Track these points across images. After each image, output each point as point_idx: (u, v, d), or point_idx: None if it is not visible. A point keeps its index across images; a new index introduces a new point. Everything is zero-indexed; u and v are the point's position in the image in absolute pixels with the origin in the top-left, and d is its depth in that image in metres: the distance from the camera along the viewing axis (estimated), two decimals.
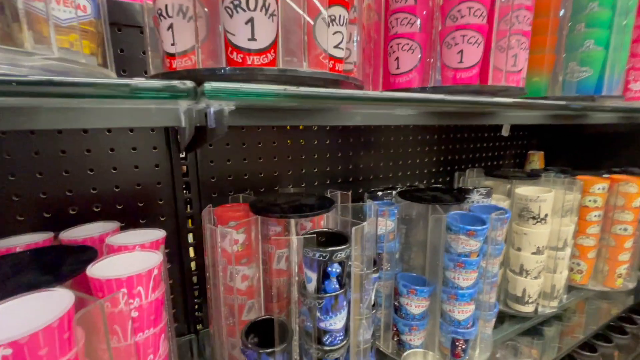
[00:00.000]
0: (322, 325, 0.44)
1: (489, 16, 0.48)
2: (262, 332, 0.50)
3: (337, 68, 0.39)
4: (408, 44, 0.51)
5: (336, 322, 0.45)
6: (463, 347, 0.62)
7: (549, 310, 0.80)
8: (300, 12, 0.34)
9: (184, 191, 0.71)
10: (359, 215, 0.60)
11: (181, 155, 0.69)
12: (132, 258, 0.38)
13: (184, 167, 0.71)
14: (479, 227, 0.56)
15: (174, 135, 0.67)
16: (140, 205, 0.66)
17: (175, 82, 0.24)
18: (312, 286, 0.44)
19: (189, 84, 0.25)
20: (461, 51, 0.48)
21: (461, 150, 1.15)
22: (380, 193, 0.75)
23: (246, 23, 0.32)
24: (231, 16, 0.32)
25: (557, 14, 0.66)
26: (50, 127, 0.27)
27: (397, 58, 0.52)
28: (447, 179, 1.13)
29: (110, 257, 0.38)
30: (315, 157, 0.85)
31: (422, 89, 0.51)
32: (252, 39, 0.33)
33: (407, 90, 0.52)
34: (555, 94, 0.69)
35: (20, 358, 0.25)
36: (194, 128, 0.32)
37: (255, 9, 0.32)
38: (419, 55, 0.51)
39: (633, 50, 0.79)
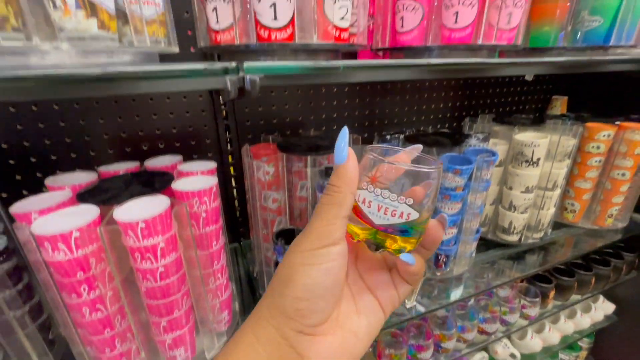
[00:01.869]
0: None
1: None
2: (287, 238, 0.69)
3: (342, 37, 0.49)
4: (412, 5, 0.57)
5: None
6: (444, 260, 0.78)
7: (531, 240, 0.93)
8: None
9: (226, 132, 0.87)
10: None
11: (221, 102, 0.83)
12: (197, 179, 0.56)
13: (224, 112, 0.86)
14: (464, 167, 0.67)
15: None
16: (193, 143, 0.84)
17: (226, 64, 0.37)
18: None
19: (234, 64, 0.38)
20: (456, 12, 0.54)
21: (479, 96, 1.18)
22: (389, 137, 0.86)
23: (270, 7, 0.43)
24: (259, 1, 0.43)
25: None
26: (136, 92, 0.41)
27: (402, 17, 0.59)
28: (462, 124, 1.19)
29: (185, 179, 0.56)
30: (335, 103, 0.95)
31: (421, 47, 0.59)
32: (275, 18, 0.44)
33: (408, 48, 0.60)
34: (564, 43, 0.72)
35: (148, 229, 0.43)
36: (237, 89, 0.46)
37: None
38: (421, 15, 0.58)
39: None
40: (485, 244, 0.97)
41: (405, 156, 0.28)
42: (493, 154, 0.73)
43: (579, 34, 0.70)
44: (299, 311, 0.24)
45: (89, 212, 0.45)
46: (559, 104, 1.25)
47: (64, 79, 0.32)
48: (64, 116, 0.70)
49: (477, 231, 0.80)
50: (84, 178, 0.57)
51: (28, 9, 0.31)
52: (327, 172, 0.62)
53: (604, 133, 0.90)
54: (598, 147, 0.92)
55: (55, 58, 0.34)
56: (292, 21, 0.45)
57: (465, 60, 0.52)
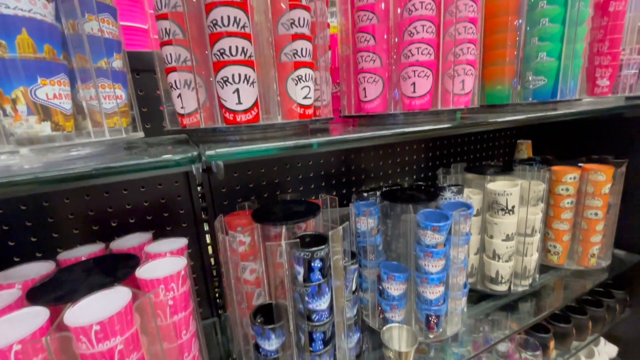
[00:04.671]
0: (310, 306, 0.58)
1: (436, 52, 0.58)
2: (267, 314, 0.64)
3: (307, 113, 0.50)
4: (372, 77, 0.61)
5: (321, 304, 0.58)
6: (435, 321, 0.74)
7: (521, 288, 0.91)
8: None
9: (200, 201, 0.85)
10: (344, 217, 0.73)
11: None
12: (165, 262, 0.52)
13: (198, 181, 0.84)
14: (442, 224, 0.67)
15: None
16: (166, 215, 0.81)
17: (190, 155, 0.37)
18: (300, 277, 0.57)
19: (196, 154, 0.38)
20: (414, 83, 0.58)
21: (450, 145, 1.24)
22: (365, 194, 0.86)
23: (233, 92, 0.45)
24: (222, 88, 0.45)
25: (515, 29, 0.74)
26: (110, 181, 0.40)
27: (365, 88, 0.62)
28: (436, 172, 1.22)
29: (150, 262, 0.53)
30: (310, 163, 0.97)
31: (385, 114, 0.62)
32: (239, 102, 0.45)
33: (371, 115, 0.63)
34: (516, 100, 0.77)
35: (104, 332, 0.39)
36: (202, 170, 0.45)
37: (239, 82, 0.44)
38: (382, 86, 0.61)
39: (598, 49, 0.86)
40: (475, 296, 0.94)
41: None
42: (468, 207, 0.73)
43: (529, 92, 0.76)
44: None
45: (37, 316, 0.40)
46: (524, 147, 1.32)
47: (17, 183, 0.30)
48: (25, 199, 0.67)
49: (465, 285, 0.78)
50: (38, 270, 0.52)
51: None
52: (303, 241, 0.60)
53: (569, 176, 0.94)
54: (567, 189, 0.95)
55: (10, 161, 0.33)
56: (255, 104, 0.46)
57: (424, 128, 0.54)
